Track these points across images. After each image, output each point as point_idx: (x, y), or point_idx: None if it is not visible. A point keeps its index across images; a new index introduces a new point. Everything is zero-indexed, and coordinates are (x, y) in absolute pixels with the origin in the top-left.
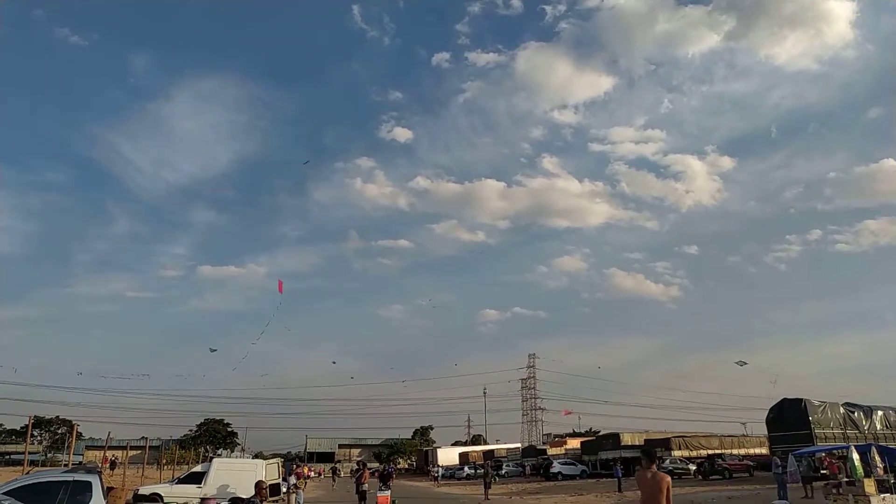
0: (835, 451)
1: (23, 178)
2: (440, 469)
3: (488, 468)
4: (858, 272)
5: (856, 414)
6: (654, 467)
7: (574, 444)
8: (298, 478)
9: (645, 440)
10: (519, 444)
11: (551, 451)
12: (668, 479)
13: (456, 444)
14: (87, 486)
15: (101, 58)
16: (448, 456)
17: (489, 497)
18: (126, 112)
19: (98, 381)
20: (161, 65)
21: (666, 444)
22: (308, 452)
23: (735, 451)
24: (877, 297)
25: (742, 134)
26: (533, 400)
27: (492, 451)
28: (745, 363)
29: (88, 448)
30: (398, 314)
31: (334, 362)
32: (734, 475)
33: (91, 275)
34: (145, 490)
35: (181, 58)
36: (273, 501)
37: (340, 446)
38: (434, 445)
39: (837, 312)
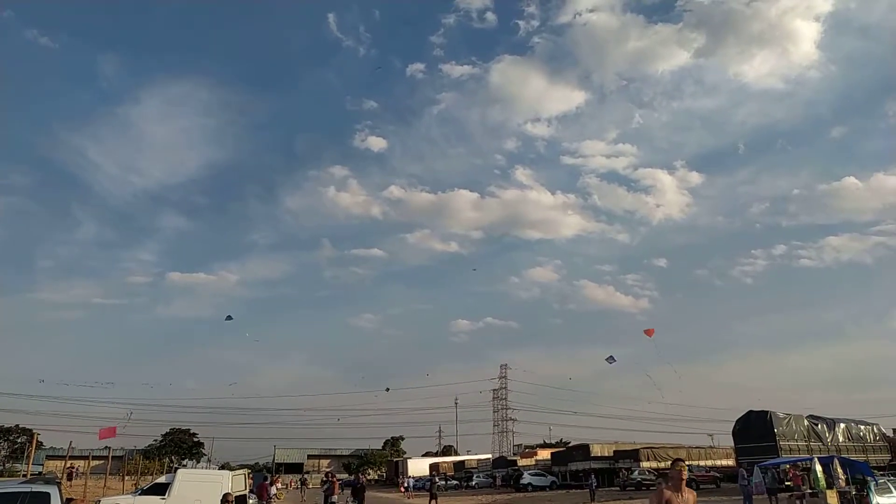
0: (799, 463)
1: None
2: (411, 480)
3: (434, 480)
4: (821, 287)
5: (819, 426)
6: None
7: (544, 454)
8: (278, 486)
9: (614, 451)
10: (490, 455)
11: (522, 462)
12: (694, 495)
13: (427, 454)
14: (46, 498)
15: (70, 60)
16: (418, 467)
17: None
18: (94, 115)
19: (61, 389)
20: (130, 68)
21: (635, 455)
22: (276, 463)
23: (702, 463)
24: (839, 311)
25: (710, 150)
26: (504, 410)
27: (462, 461)
28: (614, 359)
29: (49, 458)
30: (370, 323)
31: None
32: (701, 486)
33: (55, 281)
34: (107, 501)
35: (151, 61)
36: None
37: (310, 457)
38: (405, 456)
39: (802, 326)
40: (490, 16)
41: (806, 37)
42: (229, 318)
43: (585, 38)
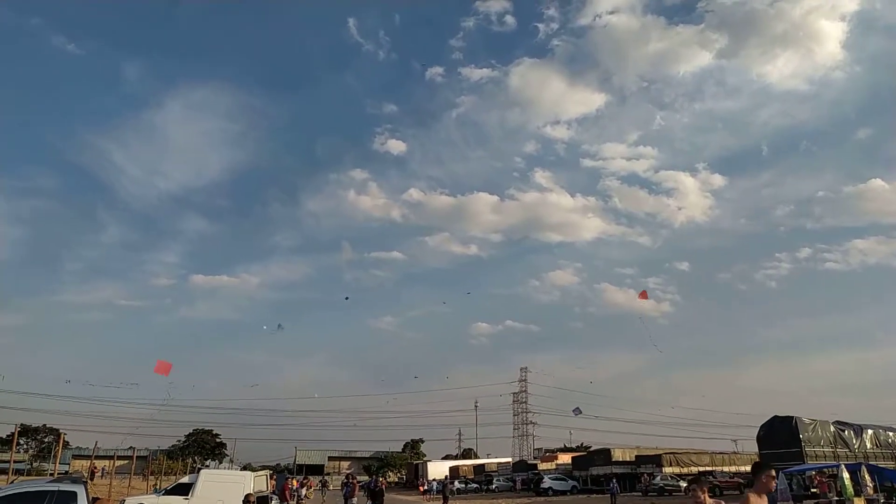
0: (825, 470)
1: (13, 184)
2: (434, 483)
3: (446, 483)
4: (848, 291)
5: (846, 432)
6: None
7: (565, 458)
8: (310, 487)
9: (636, 456)
10: (510, 459)
11: (542, 466)
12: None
13: (447, 457)
14: (73, 497)
15: (95, 66)
16: (438, 469)
17: None
18: (118, 119)
19: (86, 390)
20: (154, 73)
21: (657, 460)
22: (297, 464)
23: (726, 469)
24: (866, 316)
25: (733, 151)
26: (524, 414)
27: (482, 465)
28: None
29: (75, 457)
30: (390, 326)
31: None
32: (725, 492)
33: (80, 282)
34: (132, 501)
35: (175, 66)
36: None
37: (330, 458)
38: (424, 459)
39: (827, 330)
40: (509, 19)
41: (831, 36)
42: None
43: (605, 40)
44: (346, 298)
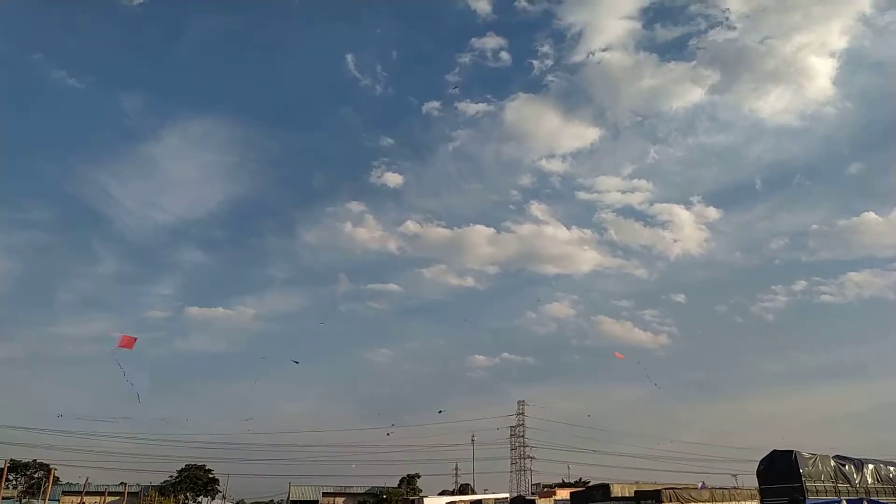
0: None
1: (10, 216)
2: None
3: None
4: (844, 323)
5: (847, 467)
6: None
7: (563, 494)
8: None
9: (636, 491)
10: (507, 494)
11: (540, 502)
12: None
13: (443, 493)
14: None
15: (95, 100)
16: None
17: None
18: (116, 152)
19: (78, 424)
20: (153, 106)
21: (657, 496)
22: (291, 501)
23: None
24: (863, 349)
25: (727, 185)
26: (522, 448)
27: (479, 500)
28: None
29: (66, 493)
30: (386, 358)
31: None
32: None
33: (75, 315)
34: None
35: (173, 100)
36: None
37: (325, 494)
38: (421, 495)
39: (825, 363)
40: (504, 55)
41: (821, 73)
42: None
43: (599, 77)
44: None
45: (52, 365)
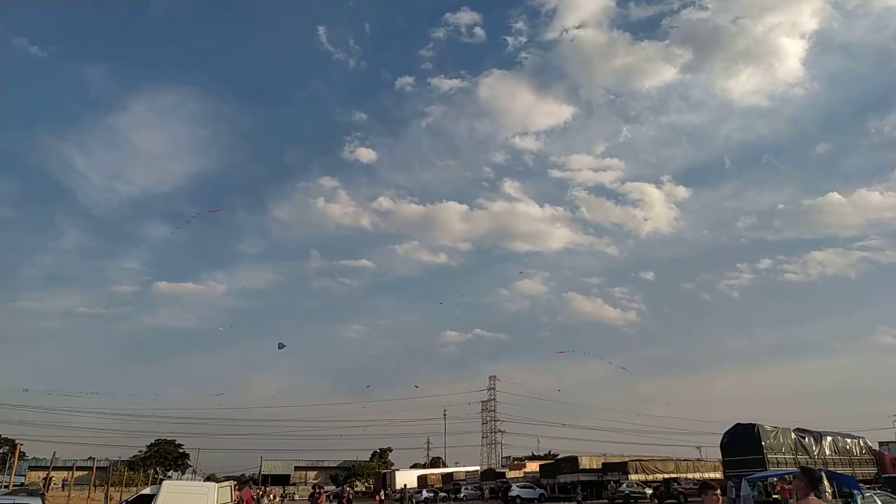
0: (786, 476)
1: None
2: (423, 494)
3: (405, 493)
4: (806, 301)
5: (807, 439)
6: (813, 497)
7: (533, 467)
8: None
9: (603, 463)
10: (478, 467)
11: (510, 475)
12: None
13: (415, 466)
14: None
15: (58, 69)
16: (406, 478)
17: None
18: (81, 124)
19: (44, 399)
20: (118, 77)
21: (623, 467)
22: (263, 475)
23: (690, 476)
24: (824, 326)
25: (697, 164)
26: (493, 422)
27: (450, 473)
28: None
29: (32, 468)
30: (358, 334)
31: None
32: (689, 499)
33: (38, 290)
34: None
35: (139, 70)
36: None
37: (297, 468)
38: (392, 468)
39: (787, 340)
40: (479, 31)
41: (791, 54)
42: (281, 345)
43: (573, 54)
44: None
45: (17, 340)
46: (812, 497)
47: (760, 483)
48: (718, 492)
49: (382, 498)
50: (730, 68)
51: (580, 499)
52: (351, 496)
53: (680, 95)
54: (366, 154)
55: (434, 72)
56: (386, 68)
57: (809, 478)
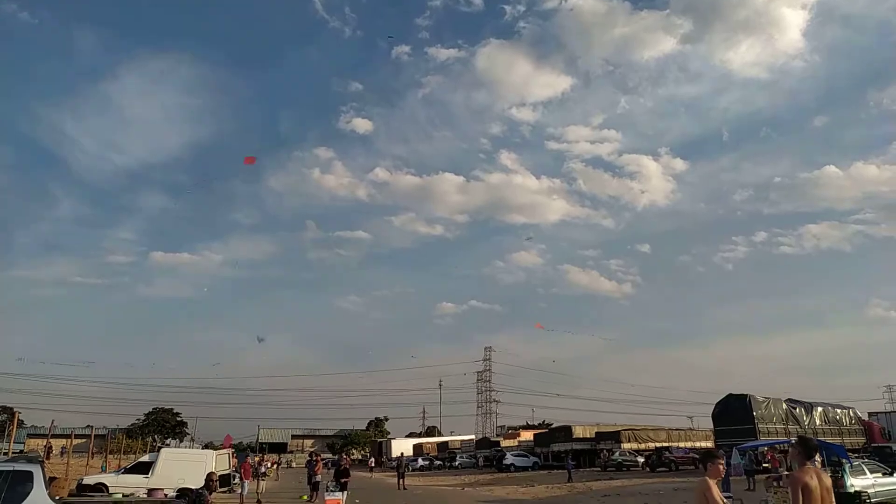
0: (777, 446)
1: None
2: (417, 461)
3: (402, 461)
4: (801, 274)
5: (797, 410)
6: (809, 465)
7: (527, 436)
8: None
9: (596, 433)
10: (473, 436)
11: (505, 444)
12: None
13: (410, 435)
14: (29, 477)
15: (49, 35)
16: (402, 447)
17: (405, 487)
18: (73, 91)
19: (40, 368)
20: (109, 43)
21: (616, 436)
22: (260, 443)
23: (682, 445)
24: (818, 299)
25: (694, 136)
26: (488, 392)
27: (446, 442)
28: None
29: (31, 436)
30: (354, 305)
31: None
32: (680, 467)
33: (33, 258)
34: (90, 480)
35: (130, 37)
36: (223, 492)
37: (294, 437)
38: (388, 437)
39: (781, 312)
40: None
41: (792, 25)
42: (261, 339)
43: (572, 24)
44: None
45: (12, 309)
46: (808, 465)
47: (751, 452)
48: (722, 462)
49: (372, 466)
50: (730, 39)
51: (571, 467)
52: (348, 464)
53: (679, 67)
54: (362, 124)
55: (431, 41)
56: (382, 37)
57: (805, 447)
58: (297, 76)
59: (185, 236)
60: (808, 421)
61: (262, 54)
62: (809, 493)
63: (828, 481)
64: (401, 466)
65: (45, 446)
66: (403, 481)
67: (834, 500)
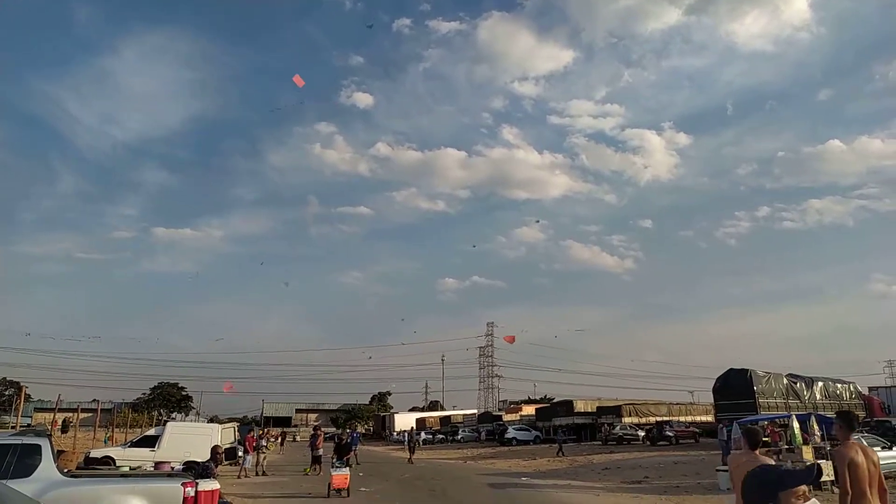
0: (777, 420)
1: None
2: (421, 434)
3: (412, 435)
4: (803, 249)
5: (798, 384)
6: (852, 439)
7: (529, 410)
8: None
9: (597, 407)
10: (475, 411)
11: (507, 418)
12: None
13: (413, 409)
14: (37, 450)
15: (45, 9)
16: (405, 421)
17: (413, 461)
18: (71, 66)
19: (46, 343)
20: (107, 15)
21: (617, 411)
22: (265, 417)
23: (682, 419)
24: (820, 274)
25: (698, 110)
26: (490, 367)
27: (448, 416)
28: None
29: (38, 410)
30: (357, 281)
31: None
32: (681, 441)
33: (36, 233)
34: (97, 453)
35: (127, 10)
36: (228, 465)
37: (297, 411)
38: (391, 411)
39: (783, 287)
40: None
41: None
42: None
43: None
44: (286, 284)
45: (16, 284)
46: (852, 440)
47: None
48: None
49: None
50: (735, 10)
51: (561, 440)
52: (347, 440)
53: (683, 38)
54: (363, 99)
55: (432, 14)
56: (383, 9)
57: (847, 420)
58: (298, 50)
59: (187, 212)
60: (808, 395)
61: (261, 27)
62: (856, 468)
63: (874, 456)
64: (412, 440)
65: (62, 420)
66: (413, 455)
67: (882, 476)
